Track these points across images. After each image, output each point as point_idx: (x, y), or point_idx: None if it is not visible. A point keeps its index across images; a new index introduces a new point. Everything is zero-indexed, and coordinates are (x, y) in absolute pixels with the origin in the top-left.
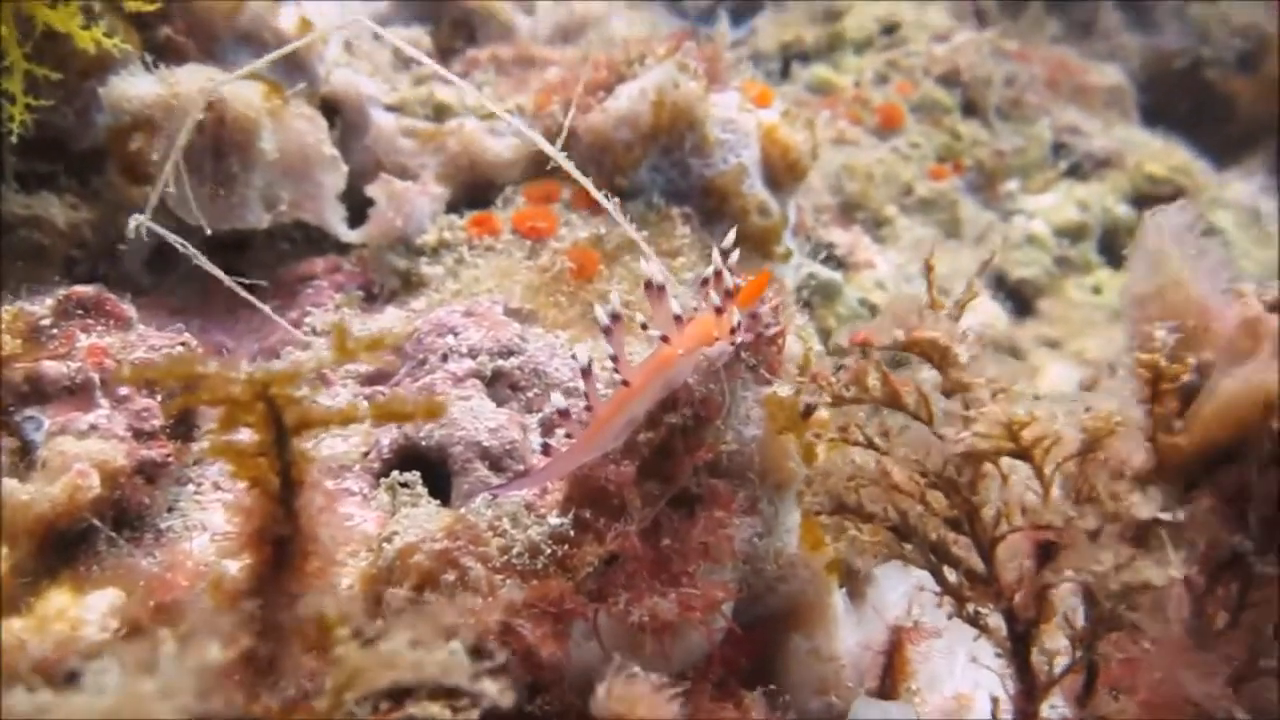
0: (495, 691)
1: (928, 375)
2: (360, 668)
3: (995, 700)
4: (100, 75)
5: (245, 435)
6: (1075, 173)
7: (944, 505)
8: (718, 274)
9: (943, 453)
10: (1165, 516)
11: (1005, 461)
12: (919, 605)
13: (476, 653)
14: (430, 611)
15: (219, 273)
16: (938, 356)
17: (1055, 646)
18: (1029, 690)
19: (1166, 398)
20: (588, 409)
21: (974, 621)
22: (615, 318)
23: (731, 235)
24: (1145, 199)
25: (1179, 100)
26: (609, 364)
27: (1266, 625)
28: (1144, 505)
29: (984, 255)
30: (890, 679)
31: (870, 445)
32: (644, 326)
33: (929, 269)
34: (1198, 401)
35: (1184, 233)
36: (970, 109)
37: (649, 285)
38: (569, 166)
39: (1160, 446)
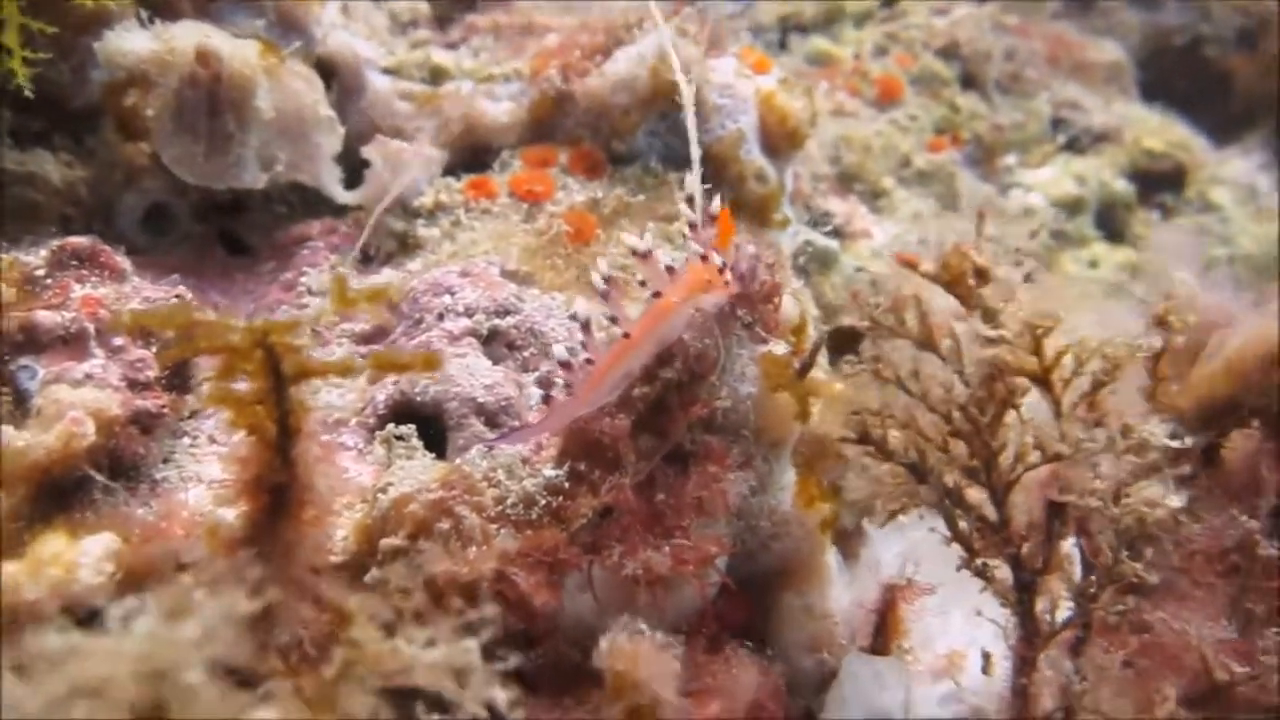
0: (503, 700)
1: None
2: (374, 654)
3: (987, 656)
4: (96, 31)
5: (243, 385)
6: (1073, 147)
7: (964, 454)
8: (693, 226)
9: (968, 385)
10: (1175, 444)
11: (1028, 404)
12: (913, 564)
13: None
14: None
15: None
16: (971, 280)
17: (1056, 605)
18: (1030, 638)
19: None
20: (587, 361)
21: (981, 573)
22: (609, 280)
23: (689, 178)
24: (1143, 174)
25: (1178, 77)
26: (605, 323)
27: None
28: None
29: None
30: (883, 637)
31: (900, 384)
32: (642, 283)
33: (981, 218)
34: (1199, 366)
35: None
36: (969, 82)
37: (635, 254)
38: (690, 113)
39: (1159, 408)
